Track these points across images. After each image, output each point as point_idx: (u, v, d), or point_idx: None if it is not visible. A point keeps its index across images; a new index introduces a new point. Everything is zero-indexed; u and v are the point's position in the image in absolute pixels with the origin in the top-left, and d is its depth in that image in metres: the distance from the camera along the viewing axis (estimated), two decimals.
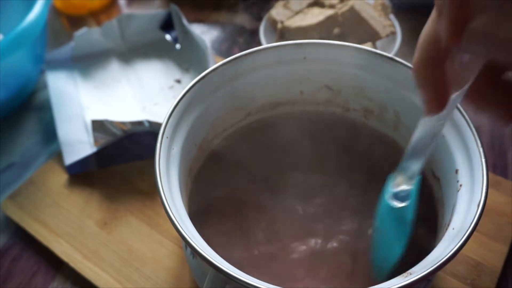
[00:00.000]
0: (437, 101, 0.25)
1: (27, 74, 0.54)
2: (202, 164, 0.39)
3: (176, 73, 0.56)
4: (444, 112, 0.25)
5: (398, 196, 0.31)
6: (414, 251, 0.34)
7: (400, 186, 0.30)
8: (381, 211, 0.32)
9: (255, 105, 0.41)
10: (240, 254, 0.36)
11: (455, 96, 0.25)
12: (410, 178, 0.30)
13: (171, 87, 0.54)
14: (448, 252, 0.27)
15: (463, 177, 0.32)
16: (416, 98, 0.36)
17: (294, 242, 0.37)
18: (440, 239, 0.30)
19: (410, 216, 0.31)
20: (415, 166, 0.29)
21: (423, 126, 0.28)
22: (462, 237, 0.28)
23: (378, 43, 0.54)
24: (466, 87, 0.24)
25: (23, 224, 0.44)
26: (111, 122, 0.47)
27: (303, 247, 0.36)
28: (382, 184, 0.39)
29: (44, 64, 0.55)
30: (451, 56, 0.23)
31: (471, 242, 0.28)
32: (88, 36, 0.55)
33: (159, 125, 0.34)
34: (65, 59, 0.56)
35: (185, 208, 0.31)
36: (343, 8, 0.53)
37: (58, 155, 0.49)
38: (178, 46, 0.58)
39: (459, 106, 0.34)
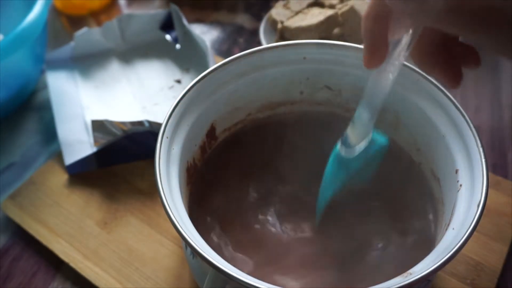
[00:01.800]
0: (375, 54, 0.28)
1: (27, 74, 0.54)
2: (202, 164, 0.39)
3: (176, 73, 0.56)
4: (386, 66, 0.28)
5: (347, 145, 0.33)
6: (414, 251, 0.34)
7: (350, 138, 0.32)
8: (332, 155, 0.34)
9: (255, 105, 0.41)
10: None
11: (397, 52, 0.27)
12: (363, 132, 0.32)
13: (171, 87, 0.54)
14: (448, 252, 0.27)
15: (463, 177, 0.32)
16: (417, 99, 0.36)
17: (294, 242, 0.37)
18: (440, 239, 0.30)
19: (351, 168, 0.33)
20: (366, 117, 0.31)
21: (372, 81, 0.30)
22: (462, 237, 0.28)
23: None
24: (404, 45, 0.26)
25: (23, 224, 0.44)
26: (111, 122, 0.47)
27: (302, 248, 0.36)
28: (381, 184, 0.39)
29: (44, 64, 0.55)
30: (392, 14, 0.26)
31: (471, 242, 0.28)
32: (88, 36, 0.55)
33: (159, 125, 0.34)
34: (65, 59, 0.56)
35: (185, 208, 0.31)
36: (343, 8, 0.53)
37: (58, 155, 0.49)
38: (178, 46, 0.58)
39: (459, 106, 0.34)
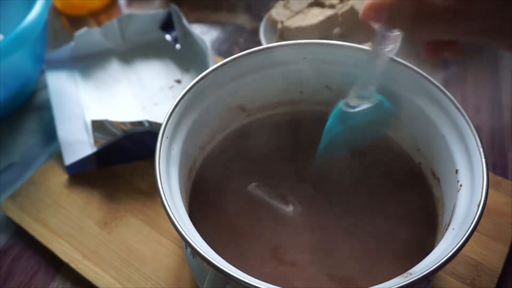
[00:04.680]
0: (376, 8, 0.32)
1: (27, 74, 0.54)
2: (202, 164, 0.39)
3: (176, 73, 0.56)
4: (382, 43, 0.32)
5: (348, 105, 0.36)
6: (414, 251, 0.34)
7: (353, 101, 0.36)
8: (334, 110, 0.37)
9: (255, 105, 0.41)
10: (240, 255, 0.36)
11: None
12: (364, 97, 0.35)
13: (171, 87, 0.54)
14: (448, 252, 0.27)
15: (463, 177, 0.32)
16: (417, 99, 0.36)
17: (293, 242, 0.37)
18: (440, 239, 0.30)
19: (351, 122, 0.36)
20: (367, 88, 0.35)
21: (370, 59, 0.34)
22: (462, 237, 0.28)
23: None
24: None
25: (23, 224, 0.44)
26: (111, 122, 0.47)
27: (300, 248, 0.36)
28: (381, 184, 0.39)
29: (44, 64, 0.55)
30: None
31: (471, 242, 0.28)
32: (88, 36, 0.55)
33: (159, 125, 0.34)
34: (65, 59, 0.56)
35: (185, 208, 0.31)
36: (343, 8, 0.53)
37: (58, 155, 0.49)
38: (178, 46, 0.58)
39: (459, 106, 0.34)
